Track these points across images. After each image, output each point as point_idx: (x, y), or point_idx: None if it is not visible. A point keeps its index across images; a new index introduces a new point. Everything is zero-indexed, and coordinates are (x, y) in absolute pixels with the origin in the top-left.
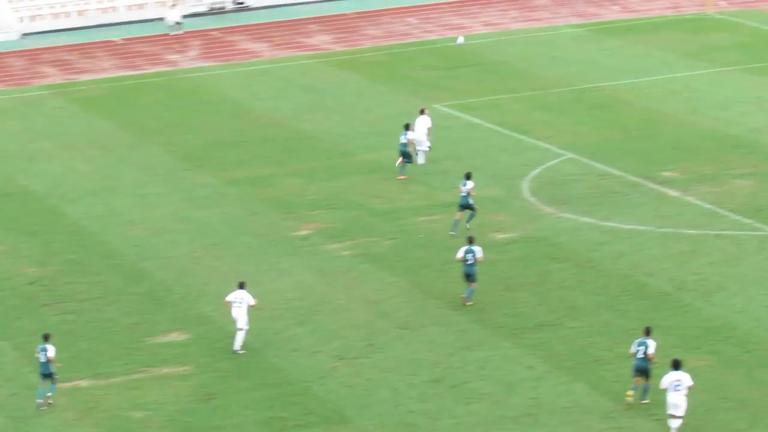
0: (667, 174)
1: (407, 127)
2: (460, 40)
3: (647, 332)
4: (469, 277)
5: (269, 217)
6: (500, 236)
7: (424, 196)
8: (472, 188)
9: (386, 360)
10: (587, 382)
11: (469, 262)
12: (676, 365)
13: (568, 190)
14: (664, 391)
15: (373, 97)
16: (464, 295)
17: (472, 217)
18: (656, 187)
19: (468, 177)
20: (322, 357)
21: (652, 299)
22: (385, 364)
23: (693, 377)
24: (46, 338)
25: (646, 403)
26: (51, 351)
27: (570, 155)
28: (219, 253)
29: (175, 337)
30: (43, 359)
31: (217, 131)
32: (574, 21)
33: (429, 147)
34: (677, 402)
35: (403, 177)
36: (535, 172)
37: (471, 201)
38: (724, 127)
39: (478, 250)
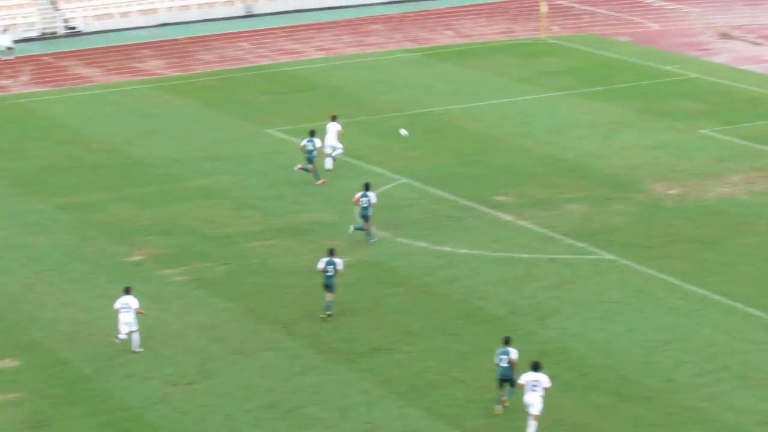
0: (500, 198)
1: (312, 134)
2: (404, 132)
3: (507, 341)
4: (329, 288)
5: (102, 243)
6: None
7: (258, 221)
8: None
9: (220, 385)
10: (422, 407)
11: (329, 274)
12: (536, 366)
13: (403, 215)
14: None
15: (206, 122)
16: (322, 316)
17: (360, 229)
18: (490, 211)
19: (367, 188)
20: (155, 383)
21: (486, 323)
22: (219, 389)
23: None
24: None
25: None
26: None
27: (404, 180)
28: (51, 279)
29: (6, 363)
30: None
31: (48, 157)
32: (408, 46)
33: (342, 149)
34: (532, 401)
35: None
36: None
37: (371, 213)
38: (558, 151)
39: (339, 262)
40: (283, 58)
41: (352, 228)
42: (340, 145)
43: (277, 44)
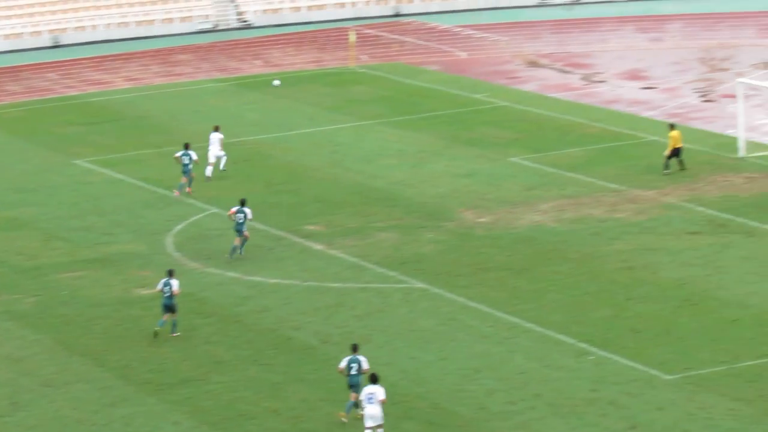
0: (311, 228)
1: (187, 147)
2: (276, 82)
3: (354, 349)
4: (169, 308)
5: None
6: (144, 292)
7: (67, 253)
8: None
9: (30, 418)
10: None
11: (167, 294)
12: (374, 379)
13: (213, 245)
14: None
15: (12, 153)
16: (157, 327)
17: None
18: (301, 241)
19: (243, 204)
20: None
21: (298, 353)
22: (29, 422)
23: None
24: None
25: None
26: None
27: (214, 210)
28: None
29: None
30: None
31: None
32: (217, 75)
33: (226, 156)
34: (372, 413)
35: (190, 190)
36: (179, 227)
37: (245, 229)
38: (368, 180)
39: (174, 283)
40: (91, 89)
41: (233, 249)
42: (223, 153)
43: (84, 75)
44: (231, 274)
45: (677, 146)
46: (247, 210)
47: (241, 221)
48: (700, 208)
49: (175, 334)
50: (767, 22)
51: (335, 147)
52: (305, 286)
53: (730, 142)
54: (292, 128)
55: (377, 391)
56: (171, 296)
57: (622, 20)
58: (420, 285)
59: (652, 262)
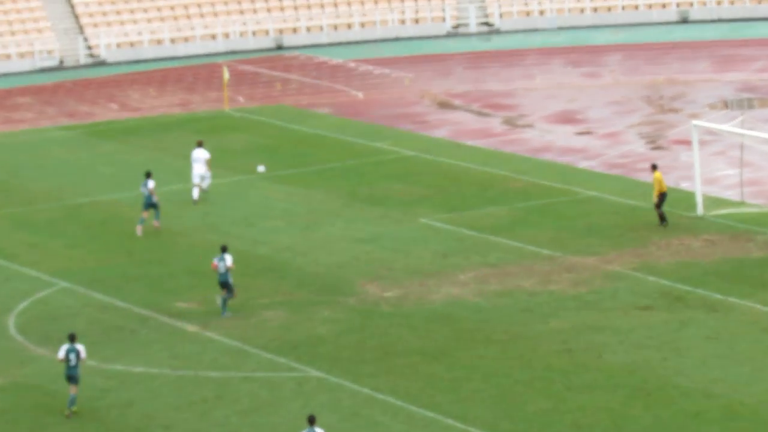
0: (182, 305)
1: (149, 176)
2: (261, 169)
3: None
4: (71, 379)
5: None
6: None
7: None
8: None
9: None
10: None
11: (71, 364)
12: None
13: (64, 327)
14: None
15: None
16: (67, 412)
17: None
18: (170, 321)
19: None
20: None
21: None
22: None
23: None
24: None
25: None
26: None
27: (64, 284)
28: None
29: None
30: None
31: None
32: (65, 122)
33: (210, 179)
34: None
35: (157, 224)
36: (22, 306)
37: (155, 199)
38: (249, 246)
39: (81, 349)
40: None
41: (218, 298)
42: (209, 174)
43: None
44: (87, 361)
45: (663, 191)
46: (227, 257)
47: (223, 271)
48: (652, 278)
49: (70, 410)
50: (724, 53)
51: (209, 207)
52: (177, 375)
53: (686, 198)
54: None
55: None
56: (77, 366)
57: (550, 52)
58: (316, 373)
59: (595, 343)
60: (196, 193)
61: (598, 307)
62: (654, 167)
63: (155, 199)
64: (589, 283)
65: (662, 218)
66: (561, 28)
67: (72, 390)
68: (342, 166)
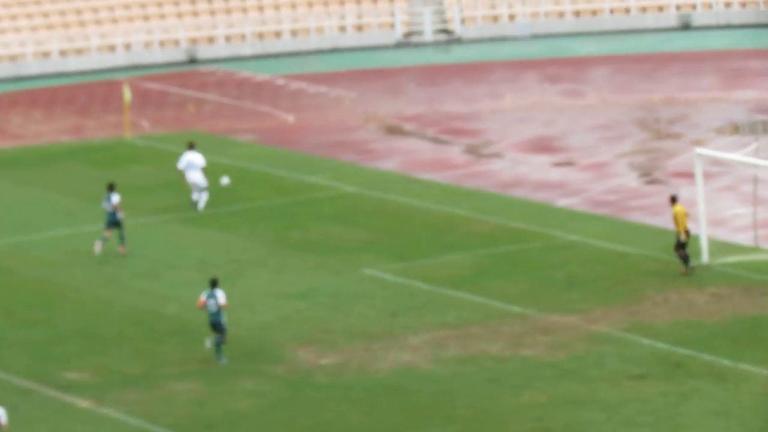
0: (72, 375)
1: (111, 189)
2: (225, 180)
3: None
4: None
5: None
6: None
7: None
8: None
9: None
10: None
11: (213, 310)
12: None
13: None
14: None
15: None
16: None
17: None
18: (58, 395)
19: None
20: None
21: None
22: None
23: None
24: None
25: None
26: None
27: None
28: None
29: None
30: None
31: None
32: None
33: (206, 194)
34: None
35: (123, 250)
36: None
37: (120, 216)
38: (154, 304)
39: (220, 294)
40: None
41: (208, 342)
42: (205, 184)
43: None
44: None
45: (686, 228)
46: (219, 293)
47: (214, 310)
48: (647, 341)
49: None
50: (733, 65)
51: (106, 256)
52: None
53: (688, 243)
54: (40, 229)
55: None
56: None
57: (522, 65)
58: None
59: (577, 421)
60: (201, 202)
61: (581, 376)
62: (673, 200)
63: (120, 215)
64: (569, 348)
65: (686, 261)
66: (536, 37)
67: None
68: (268, 206)
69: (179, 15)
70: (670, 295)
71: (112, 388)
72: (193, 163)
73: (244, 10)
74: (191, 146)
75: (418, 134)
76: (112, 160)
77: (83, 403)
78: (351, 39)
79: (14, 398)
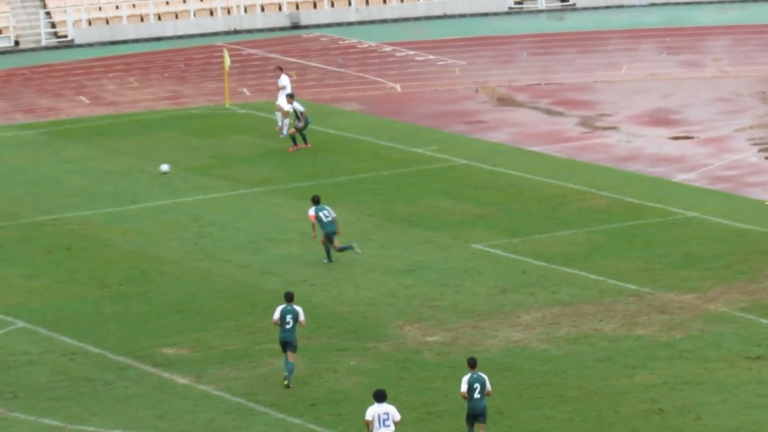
0: (170, 351)
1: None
2: (165, 168)
3: (473, 365)
4: (287, 344)
5: None
6: None
7: None
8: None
9: None
10: None
11: (288, 326)
12: (380, 396)
13: (21, 378)
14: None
15: None
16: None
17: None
18: (155, 371)
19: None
20: None
21: None
22: None
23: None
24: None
25: None
26: None
27: (21, 324)
28: None
29: None
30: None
31: None
32: (19, 119)
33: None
34: None
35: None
36: None
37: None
38: (255, 278)
39: (300, 310)
40: None
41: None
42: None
43: None
44: (48, 421)
45: None
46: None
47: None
48: (765, 321)
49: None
50: None
51: (204, 228)
52: None
53: None
54: (136, 199)
55: (390, 411)
56: (293, 329)
57: (638, 35)
58: None
59: (693, 402)
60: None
61: (697, 357)
62: None
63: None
64: (685, 327)
65: None
66: (653, 5)
67: (290, 357)
68: (374, 177)
69: None
70: None
71: (212, 364)
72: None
73: None
74: (281, 69)
75: (531, 105)
76: (211, 129)
77: (182, 380)
78: (461, 5)
79: (110, 374)
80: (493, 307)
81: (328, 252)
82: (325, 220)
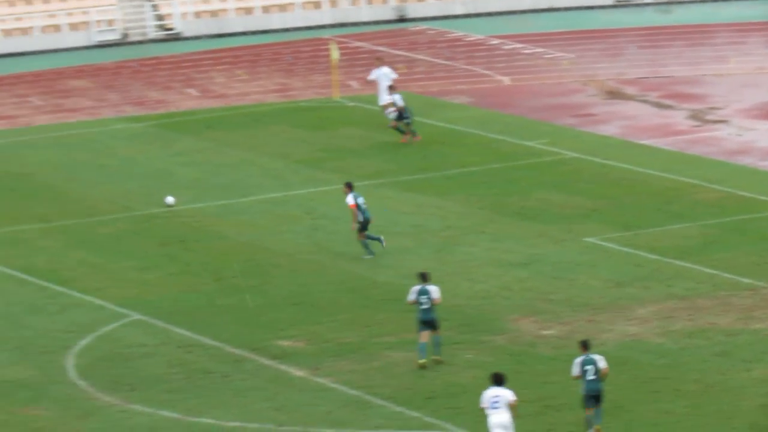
0: (286, 344)
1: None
2: (170, 200)
3: (585, 347)
4: (427, 323)
5: None
6: None
7: None
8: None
9: None
10: None
11: (425, 306)
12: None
13: (137, 370)
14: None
15: None
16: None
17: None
18: (271, 363)
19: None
20: None
21: None
22: None
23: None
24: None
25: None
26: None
27: (136, 316)
28: None
29: None
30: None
31: None
32: (130, 111)
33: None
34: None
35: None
36: (83, 343)
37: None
38: (369, 271)
39: (434, 289)
40: None
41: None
42: (389, 97)
43: None
44: (166, 413)
45: None
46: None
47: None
48: None
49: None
50: None
51: (317, 221)
52: None
53: None
54: (248, 193)
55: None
56: (431, 309)
57: (745, 28)
58: (457, 431)
59: None
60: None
61: None
62: None
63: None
64: None
65: None
66: None
67: (433, 334)
68: (485, 171)
69: None
70: None
71: (328, 357)
72: (384, 76)
73: None
74: (380, 60)
75: (640, 98)
76: (320, 122)
77: (298, 372)
78: None
79: (227, 367)
80: (607, 300)
81: (366, 246)
82: (363, 206)
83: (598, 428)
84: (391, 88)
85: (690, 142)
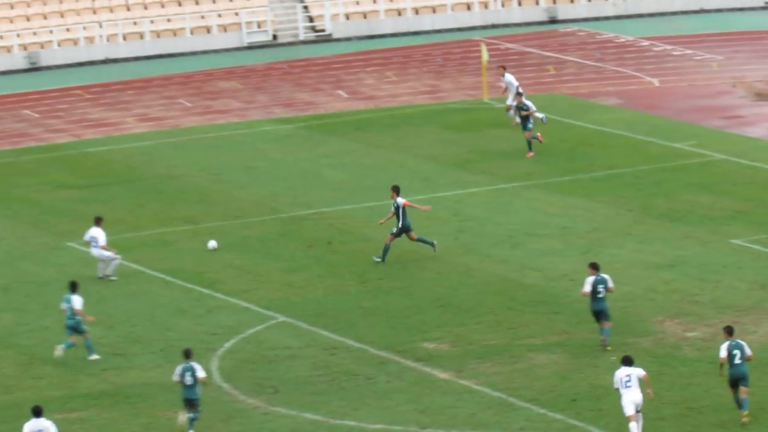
0: (431, 346)
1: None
2: (212, 244)
3: (730, 332)
4: (601, 314)
5: None
6: None
7: (59, 383)
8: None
9: None
10: None
11: (600, 295)
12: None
13: (282, 372)
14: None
15: None
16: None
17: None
18: (415, 365)
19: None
20: None
21: None
22: None
23: None
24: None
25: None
26: None
27: (281, 318)
28: None
29: None
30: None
31: None
32: (279, 113)
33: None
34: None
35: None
36: (228, 345)
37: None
38: (515, 273)
39: (608, 278)
40: (89, 134)
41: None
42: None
43: (78, 111)
44: (309, 416)
45: None
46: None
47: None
48: None
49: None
50: None
51: (464, 223)
52: None
53: None
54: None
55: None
56: (604, 297)
57: None
58: None
59: None
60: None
61: None
62: None
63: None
64: None
65: None
66: None
67: (605, 325)
68: (633, 172)
69: None
70: None
71: (472, 359)
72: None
73: None
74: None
75: None
76: (469, 124)
77: (442, 375)
78: (717, 0)
79: (371, 369)
80: (753, 302)
81: (387, 250)
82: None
83: (745, 414)
84: (519, 95)
85: None
